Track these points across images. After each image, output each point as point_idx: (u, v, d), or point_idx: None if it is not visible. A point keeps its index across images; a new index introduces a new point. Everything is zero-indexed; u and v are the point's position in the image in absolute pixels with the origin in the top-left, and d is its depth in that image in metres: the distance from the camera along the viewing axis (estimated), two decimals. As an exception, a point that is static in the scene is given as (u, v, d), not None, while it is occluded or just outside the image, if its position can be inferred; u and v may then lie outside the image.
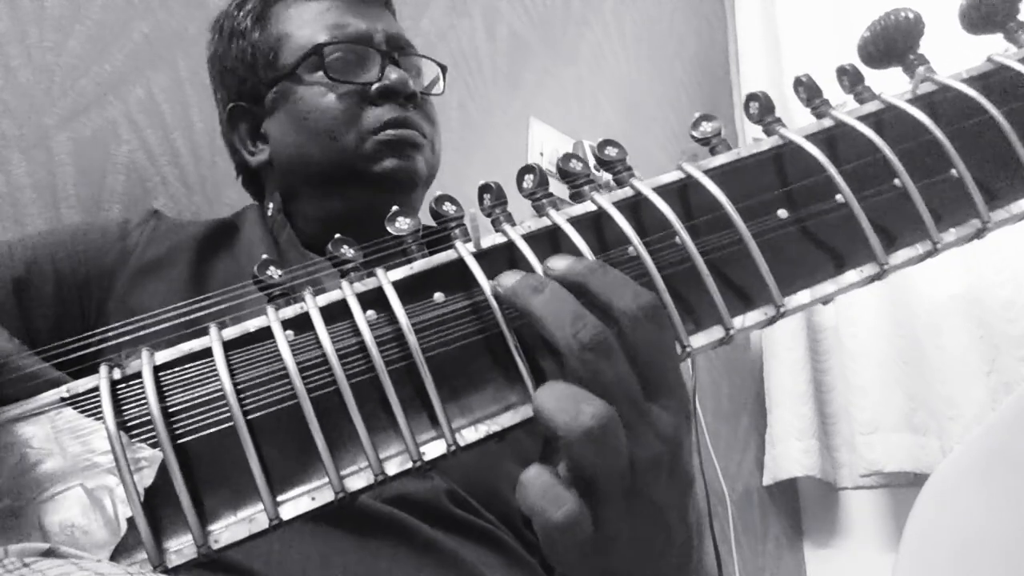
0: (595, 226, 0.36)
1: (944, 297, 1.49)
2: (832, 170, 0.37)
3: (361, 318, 0.33)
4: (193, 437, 0.31)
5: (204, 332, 0.33)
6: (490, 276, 0.34)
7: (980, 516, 0.42)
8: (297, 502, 0.31)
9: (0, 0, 0.81)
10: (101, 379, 0.31)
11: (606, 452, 0.31)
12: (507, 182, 0.38)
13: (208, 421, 0.31)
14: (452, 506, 0.60)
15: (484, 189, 0.37)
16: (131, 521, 0.30)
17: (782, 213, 0.37)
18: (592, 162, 0.39)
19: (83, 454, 0.31)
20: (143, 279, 0.67)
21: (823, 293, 0.36)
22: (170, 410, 0.31)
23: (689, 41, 1.94)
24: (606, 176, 0.39)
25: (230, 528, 0.30)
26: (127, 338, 0.34)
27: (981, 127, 0.39)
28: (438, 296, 0.34)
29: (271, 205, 0.77)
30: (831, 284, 0.36)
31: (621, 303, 0.32)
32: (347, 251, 0.35)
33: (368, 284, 0.34)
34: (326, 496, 0.31)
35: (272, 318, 0.33)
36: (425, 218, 0.38)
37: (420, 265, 0.35)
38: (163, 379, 0.32)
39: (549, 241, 0.36)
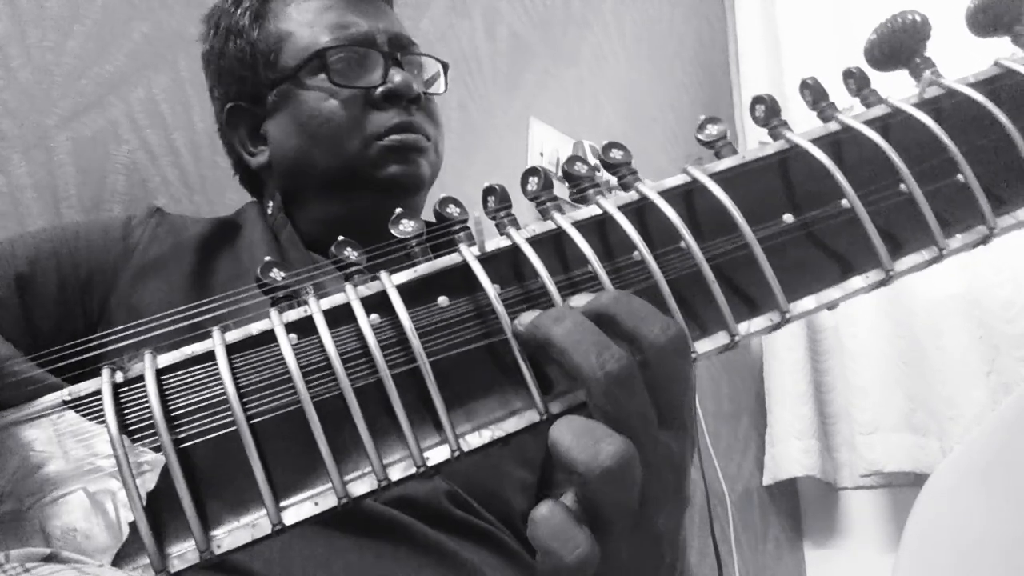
0: (600, 230, 0.36)
1: (944, 297, 1.49)
2: (838, 175, 0.37)
3: (365, 322, 0.33)
4: (196, 441, 0.31)
5: (207, 335, 0.33)
6: (494, 280, 0.34)
7: (980, 516, 0.42)
8: (300, 507, 0.30)
9: (0, 1, 0.80)
10: (103, 382, 0.31)
11: (622, 489, 0.30)
12: (508, 182, 0.37)
13: (211, 425, 0.31)
14: (452, 507, 0.60)
15: (488, 192, 0.37)
16: (133, 525, 0.30)
17: (788, 218, 0.37)
18: (593, 162, 0.39)
19: (85, 458, 0.31)
20: (145, 277, 0.67)
21: (828, 299, 0.36)
22: (173, 414, 0.31)
23: (689, 41, 1.94)
24: (607, 176, 0.39)
25: (233, 533, 0.30)
26: (130, 341, 0.34)
27: (988, 132, 0.39)
28: (442, 300, 0.34)
29: (271, 204, 0.77)
30: (837, 290, 0.36)
31: (650, 334, 0.31)
32: (350, 253, 0.35)
33: (372, 287, 0.34)
34: (329, 501, 0.31)
35: (275, 321, 0.33)
36: (425, 218, 0.38)
37: (424, 268, 0.35)
38: (166, 382, 0.32)
39: (554, 245, 0.36)
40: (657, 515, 0.33)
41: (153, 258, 0.68)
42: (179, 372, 0.32)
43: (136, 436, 0.31)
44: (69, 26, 0.86)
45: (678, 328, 0.32)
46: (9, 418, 0.31)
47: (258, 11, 0.77)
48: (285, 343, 0.32)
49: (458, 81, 1.29)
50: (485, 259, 0.35)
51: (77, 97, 0.85)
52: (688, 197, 0.37)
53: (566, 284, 0.35)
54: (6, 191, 0.78)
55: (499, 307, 0.33)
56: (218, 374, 0.31)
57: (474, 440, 0.32)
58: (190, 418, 0.31)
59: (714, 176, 0.38)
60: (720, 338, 0.35)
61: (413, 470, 0.31)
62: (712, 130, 0.39)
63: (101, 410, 0.31)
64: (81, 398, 0.31)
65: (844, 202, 0.37)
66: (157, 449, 0.30)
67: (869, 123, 0.39)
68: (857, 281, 0.36)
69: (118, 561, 0.29)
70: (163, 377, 0.32)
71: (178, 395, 0.32)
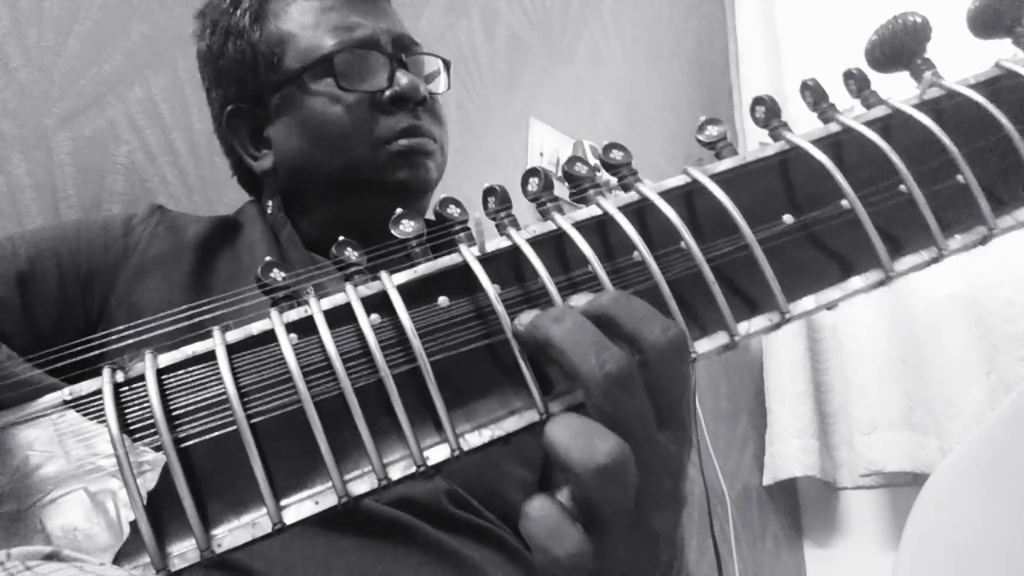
0: (600, 231, 0.36)
1: (943, 296, 1.50)
2: (838, 176, 0.37)
3: (365, 322, 0.33)
4: (196, 440, 0.31)
5: (207, 334, 0.33)
6: (495, 280, 0.34)
7: (980, 516, 0.42)
8: (300, 506, 0.31)
9: (0, 1, 0.80)
10: (104, 382, 0.31)
11: (618, 488, 0.30)
12: (507, 182, 0.37)
13: (211, 424, 0.31)
14: (453, 506, 0.60)
15: (488, 192, 0.37)
16: (134, 525, 0.30)
17: (788, 219, 0.37)
18: (593, 162, 0.39)
19: (86, 457, 0.31)
20: (145, 275, 0.67)
21: (828, 299, 0.36)
22: (173, 413, 0.31)
23: (688, 42, 1.94)
24: (607, 177, 0.39)
25: (233, 532, 0.30)
26: (130, 341, 0.34)
27: (988, 133, 0.39)
28: (442, 300, 0.34)
29: (271, 204, 0.77)
30: (836, 290, 0.36)
31: (650, 336, 0.31)
32: (351, 254, 0.35)
33: (372, 288, 0.34)
34: (329, 500, 0.31)
35: (276, 321, 0.33)
36: (426, 218, 0.38)
37: (424, 269, 0.35)
38: (166, 382, 0.32)
39: (554, 245, 0.36)
40: (654, 515, 0.33)
41: (153, 256, 0.68)
42: (180, 372, 0.32)
43: (137, 436, 0.31)
44: (68, 26, 0.86)
45: (678, 329, 0.32)
46: (10, 418, 0.31)
47: (258, 12, 0.76)
48: (285, 343, 0.32)
49: (457, 81, 1.29)
50: (485, 259, 0.35)
51: (76, 97, 0.85)
52: (688, 198, 0.37)
53: (566, 284, 0.35)
54: (5, 191, 0.78)
55: (499, 307, 0.33)
56: (219, 374, 0.32)
57: (474, 439, 0.32)
58: (191, 418, 0.31)
59: (714, 177, 0.38)
60: (720, 338, 0.35)
61: (413, 469, 0.31)
62: (712, 131, 0.39)
63: (102, 410, 0.31)
64: (82, 398, 0.31)
65: (844, 203, 0.37)
66: (158, 449, 0.30)
67: (869, 124, 0.39)
68: (857, 281, 0.36)
69: (119, 560, 0.29)
70: (164, 377, 0.32)
71: (179, 395, 0.32)
